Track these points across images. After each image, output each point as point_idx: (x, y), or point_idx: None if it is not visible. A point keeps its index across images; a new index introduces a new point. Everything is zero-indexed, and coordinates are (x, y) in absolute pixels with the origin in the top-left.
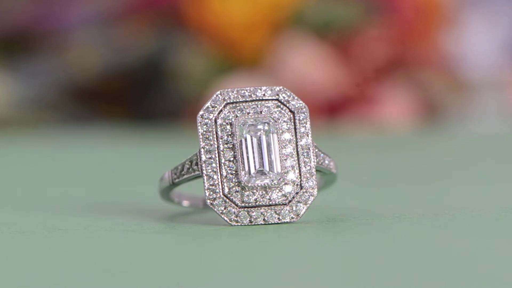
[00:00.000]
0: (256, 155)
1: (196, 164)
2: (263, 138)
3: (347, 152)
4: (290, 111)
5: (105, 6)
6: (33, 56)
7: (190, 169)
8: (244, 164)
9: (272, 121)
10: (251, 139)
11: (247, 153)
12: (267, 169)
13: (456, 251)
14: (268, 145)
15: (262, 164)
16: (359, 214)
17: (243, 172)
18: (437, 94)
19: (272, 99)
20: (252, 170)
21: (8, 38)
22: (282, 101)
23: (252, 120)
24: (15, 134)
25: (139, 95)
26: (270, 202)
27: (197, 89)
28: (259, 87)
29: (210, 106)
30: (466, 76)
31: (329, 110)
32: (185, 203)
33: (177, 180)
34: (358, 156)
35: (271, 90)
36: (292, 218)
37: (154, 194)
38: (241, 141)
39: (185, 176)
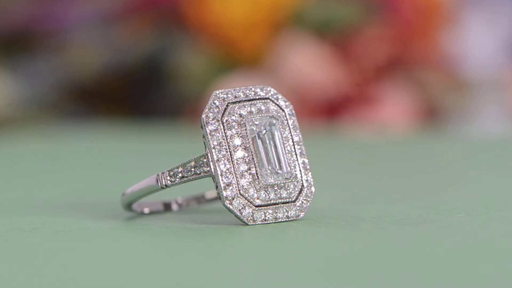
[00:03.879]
0: (267, 153)
1: (202, 165)
2: (272, 136)
3: (346, 152)
4: (281, 109)
5: (105, 6)
6: (33, 56)
7: (196, 170)
8: (258, 163)
9: (274, 119)
10: (262, 138)
11: (259, 152)
12: (278, 167)
13: (453, 253)
14: (276, 143)
15: (273, 162)
16: (358, 213)
17: (258, 171)
18: (437, 94)
19: (265, 98)
20: (266, 169)
21: (8, 38)
22: (272, 99)
23: (258, 119)
24: (15, 133)
25: (139, 95)
26: (281, 200)
27: (197, 89)
28: (249, 87)
29: (213, 107)
30: (466, 76)
31: (329, 109)
32: (146, 210)
33: (173, 184)
34: (357, 156)
35: (261, 89)
36: (298, 215)
37: (154, 194)
38: (252, 140)
39: (187, 179)
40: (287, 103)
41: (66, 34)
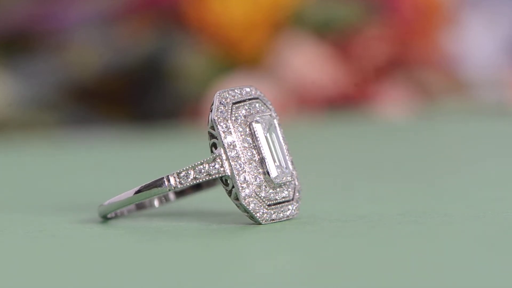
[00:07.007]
0: (273, 152)
1: (215, 166)
2: (277, 135)
3: (346, 150)
4: (268, 108)
5: (105, 6)
6: (33, 56)
7: (209, 171)
8: (268, 162)
9: (272, 118)
10: (269, 137)
11: (267, 151)
12: (284, 166)
13: (452, 253)
14: (276, 142)
15: (279, 161)
16: (359, 212)
17: (268, 170)
18: (437, 94)
19: (256, 98)
20: (274, 168)
21: (8, 38)
22: (261, 98)
23: (260, 118)
24: (15, 134)
25: (139, 95)
26: (283, 199)
27: (197, 89)
28: (241, 87)
29: (220, 107)
30: (466, 75)
31: (329, 109)
32: (119, 212)
33: (182, 186)
34: (356, 155)
35: (250, 89)
36: (296, 213)
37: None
38: (260, 140)
39: (199, 180)
40: (269, 102)
41: (66, 34)
